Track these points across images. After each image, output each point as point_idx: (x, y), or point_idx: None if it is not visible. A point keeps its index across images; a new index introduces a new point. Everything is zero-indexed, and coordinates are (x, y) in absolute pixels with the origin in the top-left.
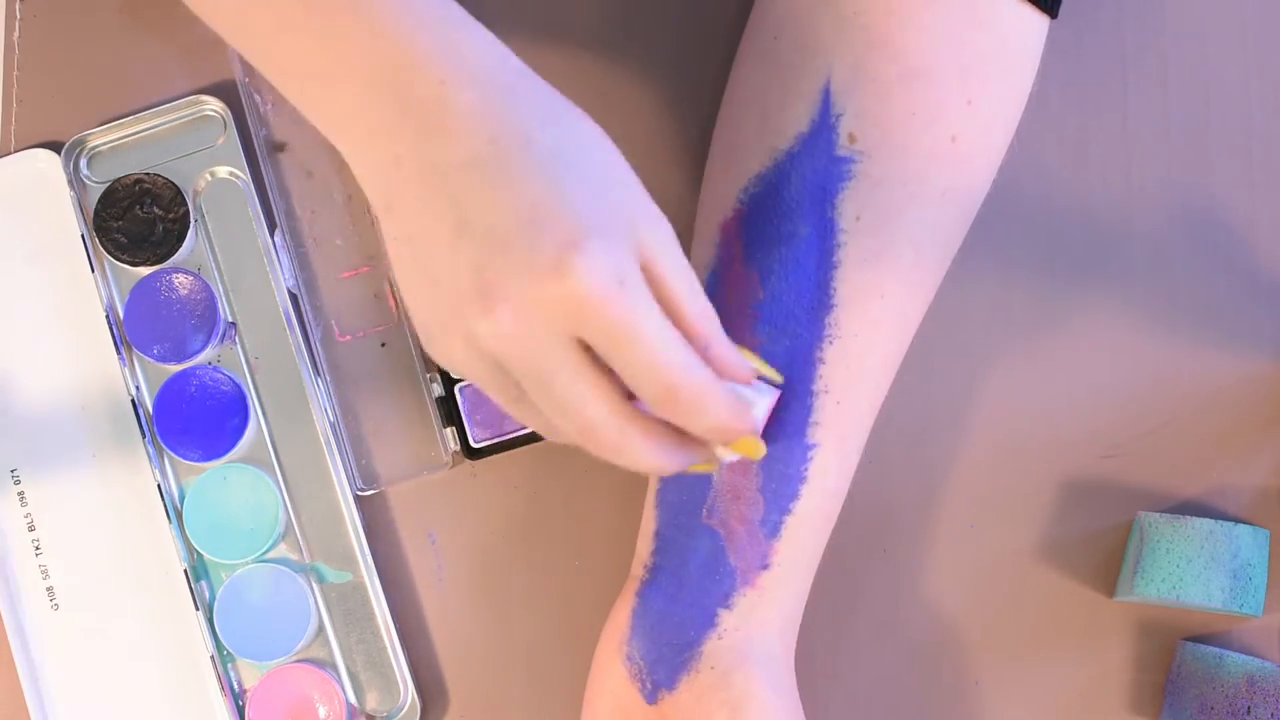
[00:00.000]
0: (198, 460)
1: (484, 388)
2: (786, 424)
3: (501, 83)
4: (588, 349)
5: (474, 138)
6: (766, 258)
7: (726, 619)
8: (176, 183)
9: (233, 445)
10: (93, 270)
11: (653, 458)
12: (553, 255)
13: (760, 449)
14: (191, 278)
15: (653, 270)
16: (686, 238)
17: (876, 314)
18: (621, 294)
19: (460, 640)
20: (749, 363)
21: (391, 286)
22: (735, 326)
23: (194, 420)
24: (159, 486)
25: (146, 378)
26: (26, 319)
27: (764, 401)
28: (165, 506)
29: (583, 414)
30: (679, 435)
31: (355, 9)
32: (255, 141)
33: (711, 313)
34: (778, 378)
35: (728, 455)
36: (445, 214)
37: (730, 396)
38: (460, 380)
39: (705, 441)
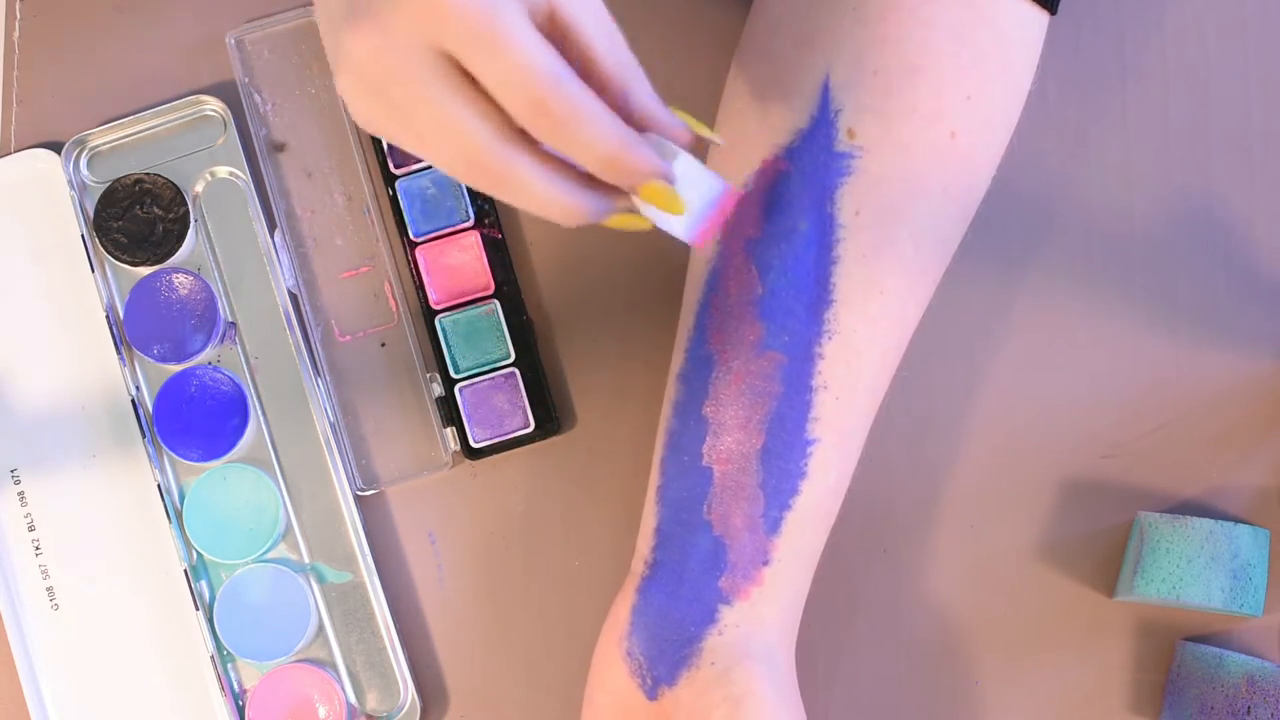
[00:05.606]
0: (198, 460)
1: (374, 122)
2: (786, 419)
3: None
4: (464, 71)
5: None
6: (766, 253)
7: (727, 615)
8: (176, 183)
9: (233, 445)
10: (93, 270)
11: (549, 192)
12: None
13: (679, 205)
14: (191, 278)
15: (557, 13)
16: None
17: (876, 310)
18: None
19: (460, 640)
20: (679, 119)
21: (391, 285)
22: (735, 321)
23: (194, 420)
24: (159, 486)
25: (146, 378)
26: (26, 319)
27: (704, 182)
28: (165, 506)
29: (462, 134)
30: (583, 176)
31: None
32: (255, 141)
33: (631, 60)
34: (718, 140)
35: (643, 207)
36: None
37: (615, 121)
38: (460, 380)
39: (615, 188)
